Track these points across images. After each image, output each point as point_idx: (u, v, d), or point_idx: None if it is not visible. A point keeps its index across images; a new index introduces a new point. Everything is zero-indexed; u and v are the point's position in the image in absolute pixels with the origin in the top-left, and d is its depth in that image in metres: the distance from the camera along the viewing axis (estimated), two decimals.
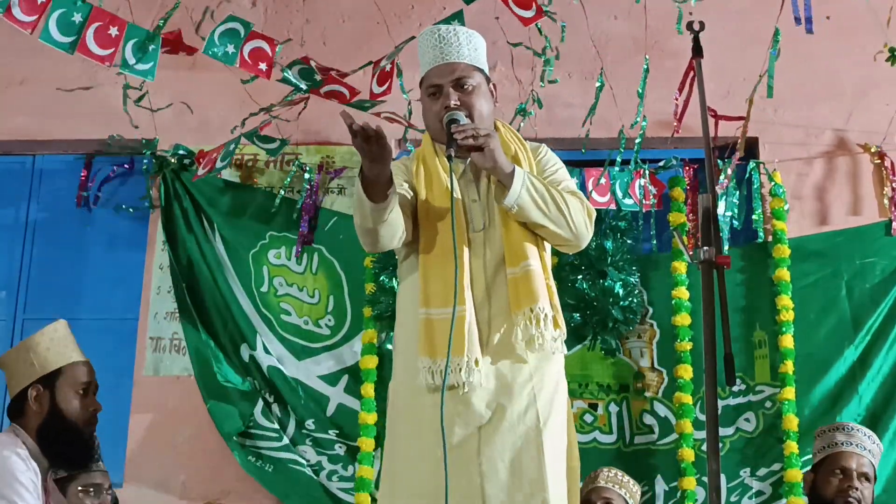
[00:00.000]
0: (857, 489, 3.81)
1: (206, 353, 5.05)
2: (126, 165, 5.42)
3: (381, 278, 4.99)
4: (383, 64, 4.38)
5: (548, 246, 2.92)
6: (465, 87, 2.90)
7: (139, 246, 5.32)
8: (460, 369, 2.73)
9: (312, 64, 4.51)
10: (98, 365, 5.22)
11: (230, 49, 4.30)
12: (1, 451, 3.13)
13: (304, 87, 4.51)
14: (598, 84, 4.72)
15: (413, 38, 4.45)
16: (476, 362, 2.76)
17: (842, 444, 3.94)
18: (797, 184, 5.17)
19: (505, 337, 2.80)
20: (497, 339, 2.80)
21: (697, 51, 2.81)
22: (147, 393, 5.12)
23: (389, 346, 4.96)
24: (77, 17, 4.09)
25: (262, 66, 4.34)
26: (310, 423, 4.98)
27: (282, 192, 5.20)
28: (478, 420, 2.77)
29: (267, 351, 5.07)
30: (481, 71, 2.95)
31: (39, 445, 3.21)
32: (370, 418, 4.88)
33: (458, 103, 2.87)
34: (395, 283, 4.88)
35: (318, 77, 4.49)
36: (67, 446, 3.28)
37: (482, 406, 2.77)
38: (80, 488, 3.77)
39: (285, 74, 4.48)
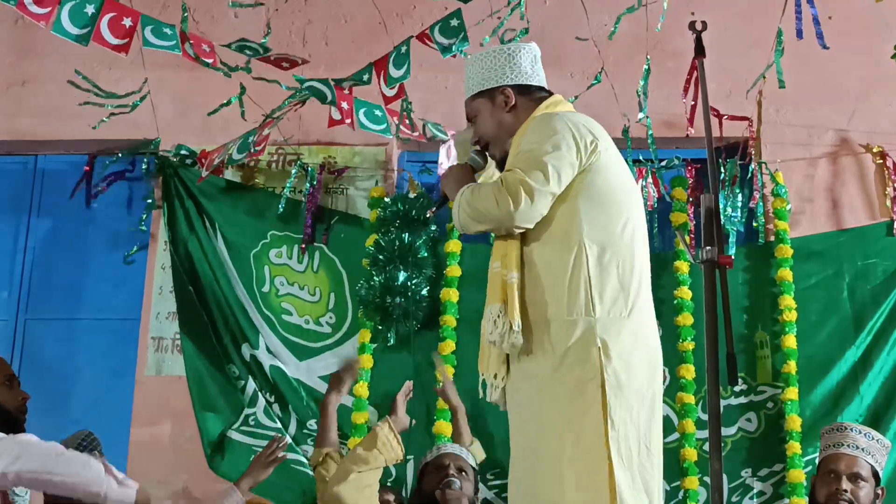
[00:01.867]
0: (845, 491, 3.81)
1: (200, 366, 5.04)
2: (128, 166, 5.43)
3: (377, 279, 4.99)
4: (396, 76, 4.39)
5: (519, 244, 2.87)
6: (472, 120, 3.11)
7: (141, 246, 5.32)
8: (486, 385, 2.95)
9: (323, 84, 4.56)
10: (99, 365, 5.27)
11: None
12: None
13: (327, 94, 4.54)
14: (594, 81, 4.74)
15: (411, 37, 4.45)
16: (495, 376, 2.90)
17: (833, 445, 3.96)
18: (799, 184, 5.16)
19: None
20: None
21: (699, 51, 2.81)
22: (149, 393, 5.12)
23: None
24: (90, 9, 4.07)
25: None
26: (311, 423, 4.97)
27: (285, 192, 5.20)
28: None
29: (269, 350, 5.07)
30: (480, 94, 3.07)
31: None
32: (361, 417, 4.88)
33: (477, 138, 3.10)
34: (388, 275, 4.93)
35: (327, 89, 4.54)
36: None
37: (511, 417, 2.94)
38: None
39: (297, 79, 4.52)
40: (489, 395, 2.92)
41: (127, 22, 4.12)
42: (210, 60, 4.33)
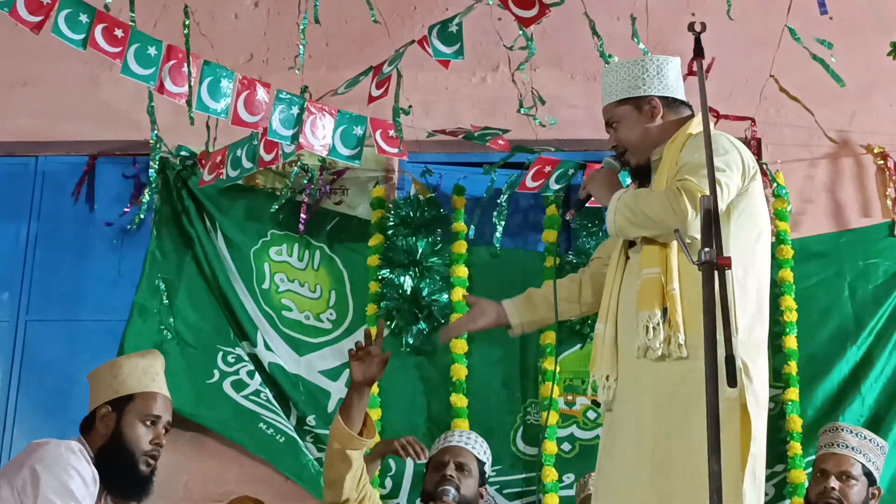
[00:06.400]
0: (833, 489, 3.88)
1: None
2: (129, 167, 5.43)
3: (386, 276, 4.98)
4: (387, 71, 4.38)
5: (677, 252, 2.93)
6: (613, 126, 3.16)
7: (141, 247, 5.31)
8: (597, 386, 3.01)
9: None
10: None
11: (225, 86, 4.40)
12: (71, 449, 3.11)
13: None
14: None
15: (413, 41, 4.45)
16: (607, 378, 2.97)
17: (825, 446, 4.11)
18: (800, 185, 5.16)
19: (633, 348, 2.94)
20: (630, 351, 2.94)
21: (699, 52, 2.81)
22: None
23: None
24: (83, 18, 4.10)
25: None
26: (311, 420, 4.97)
27: (286, 192, 5.20)
28: (619, 431, 2.96)
29: (268, 348, 5.07)
30: (625, 100, 3.12)
31: (97, 467, 3.18)
32: (374, 414, 4.87)
33: (615, 143, 3.17)
34: (403, 280, 4.94)
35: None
36: (121, 475, 3.26)
37: (620, 418, 2.97)
38: None
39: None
40: (601, 394, 2.98)
41: (118, 33, 4.15)
42: (183, 89, 4.35)
